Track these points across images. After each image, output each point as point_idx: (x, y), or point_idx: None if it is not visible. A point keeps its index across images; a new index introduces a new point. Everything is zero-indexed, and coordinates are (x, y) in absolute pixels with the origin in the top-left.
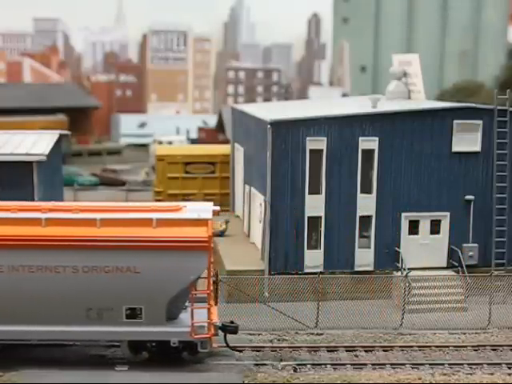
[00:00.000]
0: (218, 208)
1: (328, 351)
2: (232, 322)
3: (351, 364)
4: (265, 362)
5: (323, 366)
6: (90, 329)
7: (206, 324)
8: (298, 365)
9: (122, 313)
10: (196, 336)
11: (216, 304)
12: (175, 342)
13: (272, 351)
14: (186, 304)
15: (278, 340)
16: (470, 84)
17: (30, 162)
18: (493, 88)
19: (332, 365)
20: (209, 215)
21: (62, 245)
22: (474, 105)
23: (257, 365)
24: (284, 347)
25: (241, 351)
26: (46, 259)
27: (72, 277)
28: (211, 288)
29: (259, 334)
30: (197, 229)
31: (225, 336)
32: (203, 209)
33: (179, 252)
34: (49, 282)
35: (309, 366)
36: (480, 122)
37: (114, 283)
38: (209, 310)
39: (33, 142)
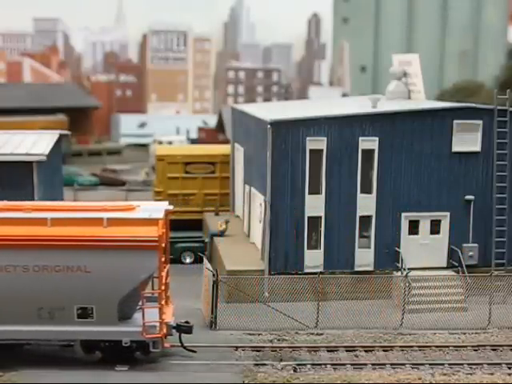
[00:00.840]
0: (171, 207)
1: (328, 351)
2: (187, 322)
3: (351, 364)
4: (265, 362)
5: (323, 366)
6: (41, 328)
7: (157, 324)
8: (298, 365)
9: (73, 312)
10: (147, 336)
11: (216, 304)
12: (127, 342)
13: (272, 351)
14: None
15: (278, 340)
16: (469, 84)
17: (30, 162)
18: (493, 88)
19: (332, 365)
20: (160, 215)
21: (13, 244)
22: (474, 105)
23: (257, 365)
24: (284, 347)
25: (195, 351)
26: None
27: (23, 276)
28: (162, 288)
29: (259, 334)
30: (147, 228)
31: (180, 336)
32: (155, 208)
33: (129, 251)
34: None
35: (309, 366)
36: (480, 122)
37: (65, 282)
38: (161, 309)
39: (33, 142)
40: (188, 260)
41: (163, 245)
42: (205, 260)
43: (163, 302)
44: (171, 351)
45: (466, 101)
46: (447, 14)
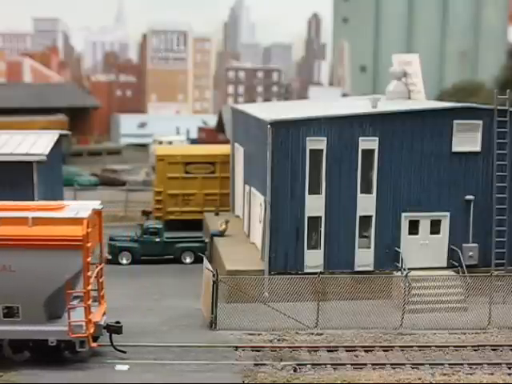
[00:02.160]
0: (100, 207)
1: (328, 351)
2: (118, 322)
3: (351, 364)
4: (265, 362)
5: (323, 366)
6: None
7: (83, 323)
8: (298, 365)
9: None
10: (73, 335)
11: (216, 304)
12: (53, 341)
13: (272, 351)
14: (75, 303)
15: (278, 340)
16: (469, 84)
17: (30, 162)
18: (493, 88)
19: (332, 365)
20: (86, 214)
21: None
22: (474, 105)
23: (257, 365)
24: (284, 347)
25: (125, 352)
26: None
27: None
28: (88, 288)
29: (259, 334)
30: (72, 227)
31: (110, 336)
32: (83, 208)
33: (54, 251)
34: None
35: (309, 365)
36: (480, 122)
37: None
38: (86, 309)
39: (33, 142)
40: (188, 260)
41: (89, 244)
42: (205, 260)
43: (89, 302)
44: (171, 352)
45: (466, 101)
46: (447, 14)
